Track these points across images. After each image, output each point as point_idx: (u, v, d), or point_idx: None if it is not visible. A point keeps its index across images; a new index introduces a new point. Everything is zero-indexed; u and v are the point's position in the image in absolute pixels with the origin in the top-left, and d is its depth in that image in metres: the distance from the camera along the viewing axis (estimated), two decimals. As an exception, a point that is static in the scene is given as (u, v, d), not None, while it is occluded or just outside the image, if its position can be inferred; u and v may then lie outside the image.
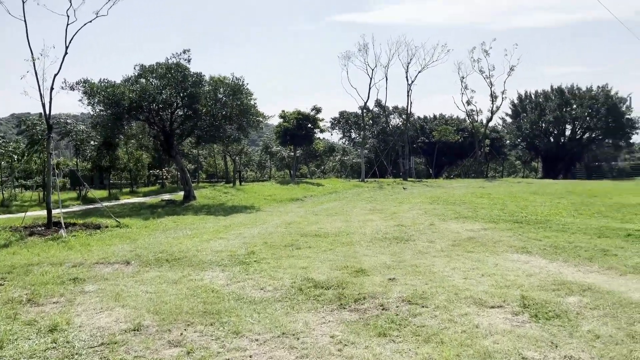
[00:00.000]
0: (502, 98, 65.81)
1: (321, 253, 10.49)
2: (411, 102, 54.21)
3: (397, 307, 6.49)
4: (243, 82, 25.09)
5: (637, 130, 73.64)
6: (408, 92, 54.22)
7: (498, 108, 67.54)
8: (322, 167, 63.01)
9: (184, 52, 25.40)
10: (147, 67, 24.95)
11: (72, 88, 22.68)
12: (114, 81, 23.05)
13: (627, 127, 71.30)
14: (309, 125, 42.82)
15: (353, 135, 65.84)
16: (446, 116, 76.82)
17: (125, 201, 28.47)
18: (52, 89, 13.85)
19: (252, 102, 26.02)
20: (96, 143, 30.66)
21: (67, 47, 14.06)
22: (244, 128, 26.37)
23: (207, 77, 25.80)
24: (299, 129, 42.11)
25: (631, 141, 75.33)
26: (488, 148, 66.97)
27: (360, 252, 10.56)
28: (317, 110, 44.56)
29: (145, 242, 12.59)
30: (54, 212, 14.68)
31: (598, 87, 72.65)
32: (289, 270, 8.83)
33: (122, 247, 11.83)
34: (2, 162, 26.49)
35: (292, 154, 48.64)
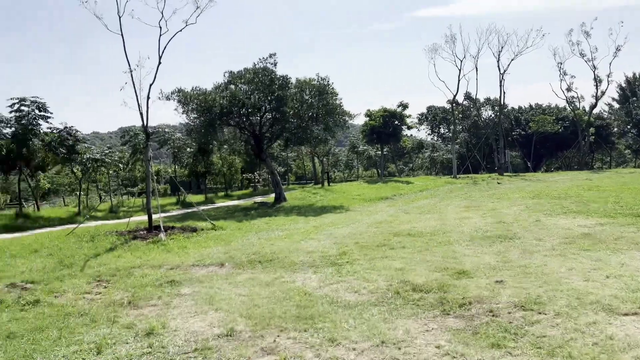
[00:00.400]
0: (608, 82, 60.49)
1: (417, 253, 9.89)
2: (504, 93, 51.29)
3: (509, 313, 5.77)
4: (328, 82, 25.00)
5: None
6: (500, 82, 51.37)
7: (603, 93, 62.08)
8: (411, 165, 61.56)
9: (270, 56, 25.83)
10: (235, 73, 25.66)
11: (167, 98, 23.87)
12: (205, 89, 23.98)
13: None
14: (396, 122, 41.89)
15: (442, 130, 63.70)
16: (543, 105, 71.97)
17: (220, 204, 29.49)
18: (148, 98, 14.55)
19: (337, 101, 25.83)
20: (192, 150, 32.10)
21: (160, 57, 14.71)
22: (331, 128, 26.22)
23: (293, 80, 26.05)
24: (385, 126, 41.36)
25: None
26: (593, 137, 61.66)
27: (459, 251, 9.81)
28: (404, 106, 43.51)
29: (238, 244, 12.71)
30: (154, 216, 15.35)
31: None
32: (384, 271, 8.35)
33: (216, 249, 12.01)
34: (110, 171, 28.52)
35: (379, 152, 47.92)
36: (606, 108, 75.35)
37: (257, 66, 24.81)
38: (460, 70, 49.63)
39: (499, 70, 51.38)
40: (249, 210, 24.53)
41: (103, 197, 32.41)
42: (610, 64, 77.01)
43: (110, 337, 5.56)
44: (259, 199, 31.35)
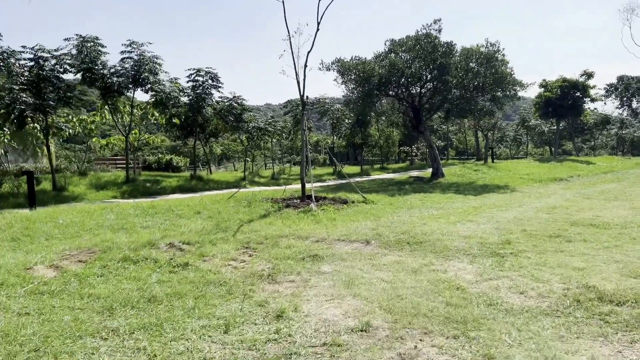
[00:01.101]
0: None
1: (602, 250, 8.07)
2: None
3: None
4: (498, 48, 22.46)
5: None
6: None
7: None
8: (592, 143, 54.09)
9: (435, 22, 24.11)
10: (397, 41, 24.52)
11: (328, 68, 23.78)
12: (365, 58, 23.32)
13: None
14: (577, 94, 36.67)
15: (635, 104, 54.60)
16: None
17: (375, 177, 29.09)
18: (305, 66, 14.34)
19: (507, 70, 23.17)
20: (350, 121, 32.04)
21: (318, 23, 14.31)
22: (498, 99, 23.71)
23: (458, 47, 24.03)
24: (563, 98, 36.49)
25: None
26: None
27: (663, 253, 7.75)
28: (588, 75, 37.82)
29: (387, 221, 11.97)
30: (307, 186, 15.35)
31: None
32: (558, 270, 6.87)
33: (364, 224, 11.43)
34: (273, 140, 29.82)
35: (554, 127, 42.76)
36: None
37: (419, 33, 23.33)
38: (665, 31, 41.35)
39: None
40: (404, 184, 23.62)
41: (264, 164, 34.26)
42: None
43: (241, 315, 5.25)
44: (414, 173, 30.21)
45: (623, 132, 49.54)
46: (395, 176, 28.92)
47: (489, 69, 22.46)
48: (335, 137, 32.26)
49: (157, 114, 23.69)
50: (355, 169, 33.30)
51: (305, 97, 15.19)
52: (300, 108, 29.79)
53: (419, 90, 25.27)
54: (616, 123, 50.11)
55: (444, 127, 44.60)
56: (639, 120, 51.93)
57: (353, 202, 15.14)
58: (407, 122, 27.31)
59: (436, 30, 23.88)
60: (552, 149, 48.36)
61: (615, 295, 5.64)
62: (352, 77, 22.90)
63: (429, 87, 24.60)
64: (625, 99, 56.08)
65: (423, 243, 9.02)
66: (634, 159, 38.93)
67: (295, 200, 15.13)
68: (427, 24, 24.17)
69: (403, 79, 23.42)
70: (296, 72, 14.19)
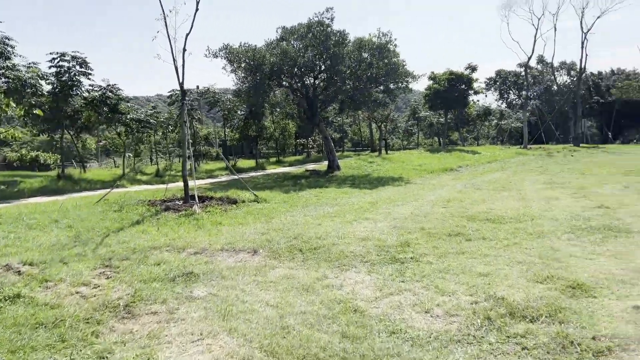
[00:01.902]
0: None
1: (502, 249, 7.62)
2: (586, 55, 46.03)
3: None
4: (390, 38, 22.26)
5: None
6: (582, 42, 46.08)
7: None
8: (475, 133, 57.54)
9: (327, 10, 23.33)
10: (288, 28, 23.44)
11: (215, 55, 22.07)
12: (255, 45, 21.93)
13: None
14: (463, 86, 38.35)
15: (511, 96, 58.95)
16: (627, 70, 65.09)
17: (270, 171, 27.94)
18: (184, 50, 12.68)
19: (400, 61, 23.11)
20: (243, 112, 30.50)
21: (197, 2, 12.72)
22: (391, 90, 23.63)
23: (351, 37, 23.52)
24: (450, 90, 37.96)
25: None
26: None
27: (561, 249, 7.44)
28: (472, 68, 39.74)
29: (280, 222, 10.85)
30: (191, 184, 13.77)
31: None
32: (463, 277, 6.19)
33: (254, 228, 10.21)
34: (158, 133, 27.40)
35: (443, 119, 44.57)
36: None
37: (311, 20, 22.43)
38: (537, 29, 45.24)
39: (582, 30, 46.03)
40: (300, 178, 22.72)
41: (150, 160, 31.57)
42: None
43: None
44: (311, 166, 29.55)
45: (502, 122, 53.20)
46: (291, 170, 28.00)
47: (381, 60, 22.20)
48: (227, 130, 30.56)
49: (14, 105, 20.38)
50: (250, 162, 31.91)
51: (196, 86, 13.56)
52: (188, 99, 27.73)
53: (312, 81, 24.46)
54: (496, 114, 53.74)
55: (339, 119, 44.60)
56: (515, 112, 56.13)
57: (244, 201, 13.84)
58: (302, 114, 26.42)
59: (328, 19, 23.16)
60: (441, 139, 50.56)
61: (527, 309, 5.00)
62: (242, 65, 21.44)
63: (322, 77, 23.86)
64: (502, 92, 60.35)
65: (317, 249, 8.02)
66: (512, 147, 41.71)
67: (177, 202, 13.49)
68: (319, 12, 23.37)
69: (296, 69, 22.41)
70: (173, 57, 12.51)
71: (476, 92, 42.73)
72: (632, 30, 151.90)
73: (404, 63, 22.71)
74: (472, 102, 44.52)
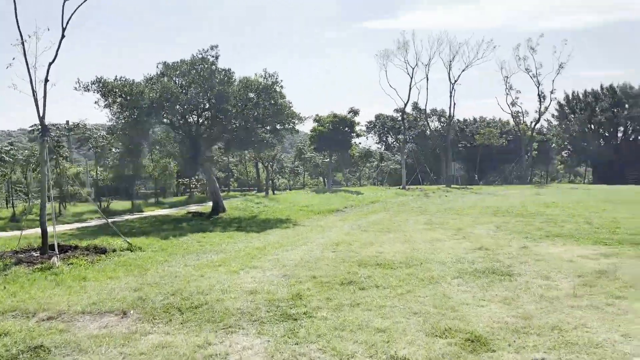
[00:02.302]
0: (551, 98, 61.71)
1: (397, 298, 7.33)
2: (454, 103, 50.45)
3: None
4: (277, 79, 22.20)
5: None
6: (451, 92, 50.65)
7: (546, 109, 63.36)
8: (358, 174, 59.68)
9: (212, 48, 22.71)
10: (170, 64, 22.36)
11: (86, 88, 20.19)
12: (133, 79, 20.50)
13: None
14: (346, 129, 39.65)
15: (390, 140, 62.40)
16: (487, 119, 72.61)
17: (149, 214, 25.95)
18: (46, 80, 11.15)
19: (286, 102, 23.07)
20: (118, 150, 28.29)
21: (64, 29, 11.36)
22: (278, 131, 23.44)
23: (237, 76, 23.09)
24: (334, 133, 39.01)
25: (693, 142, 69.26)
26: (535, 152, 62.46)
27: (454, 296, 7.34)
28: (354, 112, 41.40)
29: (157, 275, 9.68)
30: (50, 230, 11.96)
31: (655, 84, 66.97)
32: (361, 335, 5.71)
33: (125, 283, 8.93)
34: (16, 172, 24.25)
35: (327, 160, 45.53)
36: (545, 124, 77.15)
37: (195, 57, 21.63)
38: (412, 78, 48.40)
39: (450, 80, 50.64)
40: (181, 222, 21.28)
41: (6, 201, 27.81)
42: (553, 81, 79.53)
43: None
44: (194, 208, 28.04)
45: (382, 164, 55.89)
46: (172, 212, 26.28)
47: (267, 100, 21.99)
48: (101, 169, 28.04)
49: None
50: (126, 204, 29.46)
51: (66, 121, 11.94)
52: (53, 135, 25.08)
53: (196, 119, 23.44)
54: (376, 156, 56.41)
55: (224, 158, 43.48)
56: (393, 154, 59.40)
57: (115, 250, 12.32)
58: (185, 153, 25.11)
59: (213, 56, 22.53)
60: (325, 180, 51.56)
61: (433, 371, 4.61)
62: (118, 100, 19.84)
63: (207, 115, 22.95)
64: (381, 135, 63.75)
65: (199, 307, 7.09)
66: (392, 188, 43.67)
67: (33, 253, 11.60)
68: (203, 49, 22.66)
69: (178, 106, 21.29)
70: (33, 89, 10.95)
71: (358, 135, 44.46)
72: (492, 83, 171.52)
73: (290, 104, 22.72)
74: (354, 144, 46.22)
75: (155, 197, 33.27)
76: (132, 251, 12.52)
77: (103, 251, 12.01)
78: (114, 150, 27.96)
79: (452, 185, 48.07)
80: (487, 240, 12.96)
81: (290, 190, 48.18)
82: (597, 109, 68.86)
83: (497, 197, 33.67)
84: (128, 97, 19.57)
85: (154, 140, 25.10)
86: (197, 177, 37.93)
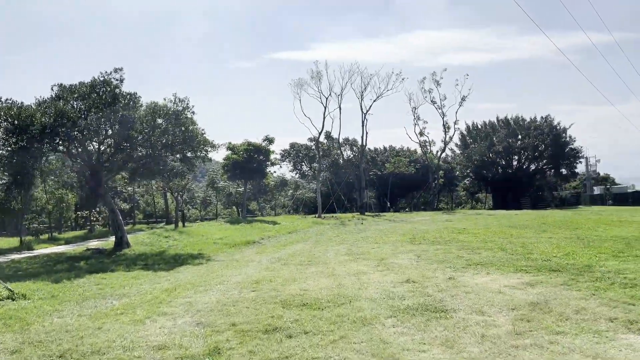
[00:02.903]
0: (455, 128, 65.09)
1: (330, 346, 6.51)
2: (367, 132, 51.53)
3: None
4: (187, 104, 20.92)
5: (581, 160, 75.23)
6: (363, 122, 51.72)
7: (451, 138, 66.73)
8: (273, 203, 58.69)
9: (116, 70, 20.98)
10: (67, 87, 20.31)
11: (-35, 112, 17.65)
12: (22, 102, 18.22)
13: (570, 157, 72.13)
14: (261, 157, 38.76)
15: (304, 168, 62.34)
16: (396, 148, 75.23)
17: (40, 251, 23.12)
18: None
19: (198, 129, 21.79)
20: (5, 181, 25.16)
21: None
22: (189, 159, 22.02)
23: (144, 101, 21.49)
24: (249, 161, 37.97)
25: (576, 170, 76.48)
26: (442, 179, 65.42)
27: (392, 341, 6.66)
28: (269, 140, 40.69)
29: (42, 329, 8.09)
30: None
31: (541, 117, 73.50)
32: (295, 400, 4.79)
33: (0, 343, 7.31)
34: None
35: (241, 189, 44.17)
36: (450, 153, 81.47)
37: (96, 80, 19.80)
38: (325, 107, 48.79)
39: (362, 110, 51.76)
40: (78, 260, 19.03)
41: None
42: (456, 112, 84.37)
43: None
44: (94, 243, 25.48)
45: (297, 193, 55.46)
46: (68, 249, 23.62)
47: (177, 127, 20.61)
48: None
49: None
50: (14, 241, 26.18)
51: None
52: None
53: (97, 147, 21.41)
54: (292, 185, 55.90)
55: (129, 188, 40.72)
56: (308, 182, 59.28)
57: (-9, 300, 10.36)
58: (84, 184, 22.84)
59: (117, 79, 20.82)
60: (239, 210, 49.99)
61: None
62: (2, 124, 17.49)
63: (110, 142, 21.04)
64: (296, 163, 63.50)
65: (93, 374, 5.79)
66: (308, 217, 43.18)
67: None
68: (105, 72, 20.85)
69: (76, 132, 19.26)
70: None
71: (272, 164, 43.74)
72: (400, 114, 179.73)
73: (202, 131, 21.49)
74: (269, 172, 45.39)
75: (50, 232, 30.00)
76: (13, 300, 10.62)
77: (-25, 302, 10.03)
78: (-1, 181, 24.84)
79: (366, 213, 48.59)
80: (412, 271, 12.58)
81: (202, 221, 46.02)
82: (494, 139, 73.97)
83: (410, 224, 34.24)
84: (15, 122, 17.34)
85: (47, 170, 22.56)
86: (97, 210, 34.95)
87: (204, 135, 21.49)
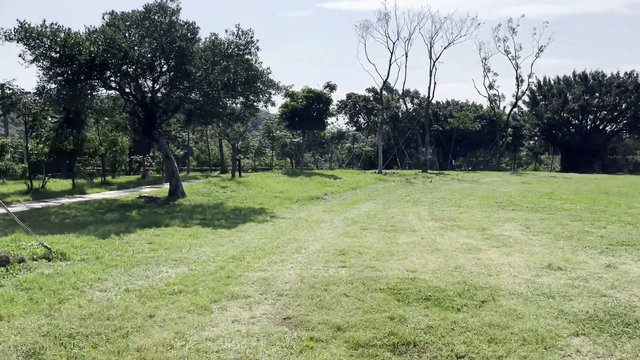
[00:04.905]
0: (529, 82, 59.75)
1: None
2: (435, 83, 47.47)
3: None
4: (252, 38, 18.17)
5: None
6: (431, 70, 47.44)
7: (524, 93, 61.61)
8: (329, 156, 56.12)
9: (172, -1, 18.33)
10: (119, 14, 17.98)
11: (9, 37, 15.68)
12: (69, 28, 16.02)
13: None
14: (321, 106, 35.87)
15: (361, 120, 59.09)
16: (460, 102, 70.34)
17: (92, 196, 21.69)
18: None
19: (262, 68, 19.13)
20: (57, 119, 23.68)
21: None
22: (252, 103, 19.53)
23: (203, 34, 18.96)
24: (308, 110, 35.20)
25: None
26: (511, 138, 60.61)
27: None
28: (332, 87, 37.61)
29: (75, 315, 5.96)
30: None
31: (625, 73, 66.21)
32: None
33: (20, 330, 5.22)
34: None
35: (299, 139, 41.71)
36: (517, 110, 75.57)
37: (150, 4, 17.28)
38: (392, 53, 44.81)
39: (431, 58, 47.45)
40: (131, 209, 17.25)
41: None
42: (532, 64, 77.68)
43: None
44: (147, 190, 23.89)
45: (354, 146, 52.55)
46: (121, 195, 22.07)
47: (240, 64, 18.02)
48: (33, 141, 23.33)
49: None
50: (66, 184, 24.99)
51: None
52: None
53: (151, 84, 19.20)
54: (349, 137, 52.98)
55: (184, 133, 39.08)
56: (366, 136, 56.16)
57: (22, 260, 8.39)
58: (137, 126, 20.95)
59: (174, 8, 18.25)
60: (295, 161, 47.87)
61: None
62: (49, 53, 15.45)
63: (165, 80, 18.72)
64: (352, 115, 60.33)
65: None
66: (368, 172, 40.47)
67: None
68: (162, 1, 18.27)
69: (128, 66, 17.06)
70: None
71: (331, 114, 40.83)
72: (465, 67, 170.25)
73: (268, 70, 18.80)
74: (330, 123, 42.66)
75: (103, 176, 28.77)
76: (49, 260, 8.64)
77: (4, 262, 8.08)
78: (49, 118, 23.34)
79: (429, 171, 45.35)
80: (540, 250, 9.77)
81: (255, 171, 44.22)
82: (569, 96, 67.70)
83: (485, 185, 31.00)
84: (63, 50, 15.22)
85: (98, 109, 20.72)
86: (151, 155, 33.51)
87: (269, 74, 18.84)
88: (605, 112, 67.03)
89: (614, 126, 68.94)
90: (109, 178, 29.57)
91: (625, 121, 66.35)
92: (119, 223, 13.81)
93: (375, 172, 39.84)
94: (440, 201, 20.72)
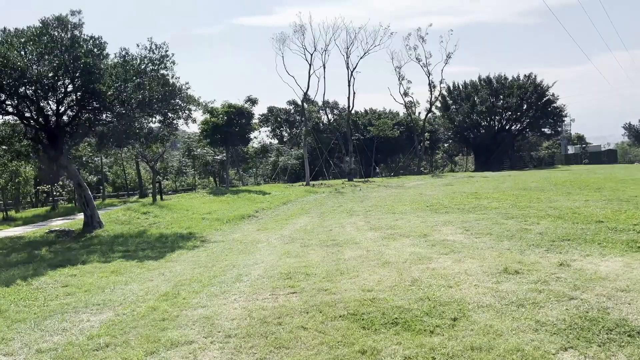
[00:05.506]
0: (440, 88, 62.27)
1: None
2: (354, 93, 47.88)
3: None
4: (167, 52, 16.96)
5: (564, 118, 74.00)
6: (349, 80, 47.95)
7: (437, 98, 63.99)
8: (255, 171, 54.91)
9: (73, 13, 16.70)
10: (11, 31, 16.06)
11: None
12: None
13: (554, 115, 70.52)
14: (243, 121, 34.83)
15: (283, 133, 58.56)
16: (378, 110, 72.02)
17: (-8, 235, 19.19)
18: None
19: (180, 83, 17.91)
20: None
21: None
22: (171, 121, 18.22)
23: (112, 50, 17.41)
24: (230, 125, 34.03)
25: (559, 129, 75.23)
26: (428, 142, 62.78)
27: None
28: (253, 101, 36.71)
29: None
30: None
31: (525, 75, 71.14)
32: None
33: None
34: None
35: (221, 156, 40.30)
36: (431, 115, 78.64)
37: (47, 19, 15.57)
38: (310, 64, 44.71)
39: (348, 69, 47.98)
40: (40, 246, 15.33)
41: None
42: (442, 70, 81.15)
43: None
44: (58, 222, 21.65)
45: (279, 160, 51.80)
46: (27, 231, 19.77)
47: (155, 80, 16.73)
48: None
49: None
50: (-40, 223, 22.08)
51: None
52: None
53: (55, 107, 17.33)
54: (273, 151, 52.16)
55: (96, 158, 36.37)
56: (290, 148, 55.61)
57: None
58: (42, 153, 18.88)
59: (76, 22, 16.61)
60: (223, 179, 46.21)
61: None
62: None
63: (71, 100, 16.94)
64: (275, 128, 59.68)
65: None
66: (296, 185, 39.89)
67: None
68: (61, 15, 16.60)
69: (26, 87, 15.22)
70: None
71: (254, 129, 39.90)
72: (381, 76, 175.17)
73: (187, 85, 17.62)
74: (253, 137, 41.64)
75: (5, 211, 25.85)
76: (-63, 323, 7.10)
77: None
78: None
79: (355, 179, 45.62)
80: (489, 253, 9.58)
81: (177, 193, 42.13)
82: (476, 99, 71.51)
83: (411, 190, 31.44)
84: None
85: (-7, 137, 18.40)
86: (61, 183, 30.73)
87: (187, 90, 17.66)
88: (510, 113, 71.39)
89: (518, 125, 73.58)
90: (11, 213, 26.63)
91: (527, 120, 71.05)
92: (25, 265, 12.07)
93: (303, 185, 39.33)
94: (373, 209, 20.52)
